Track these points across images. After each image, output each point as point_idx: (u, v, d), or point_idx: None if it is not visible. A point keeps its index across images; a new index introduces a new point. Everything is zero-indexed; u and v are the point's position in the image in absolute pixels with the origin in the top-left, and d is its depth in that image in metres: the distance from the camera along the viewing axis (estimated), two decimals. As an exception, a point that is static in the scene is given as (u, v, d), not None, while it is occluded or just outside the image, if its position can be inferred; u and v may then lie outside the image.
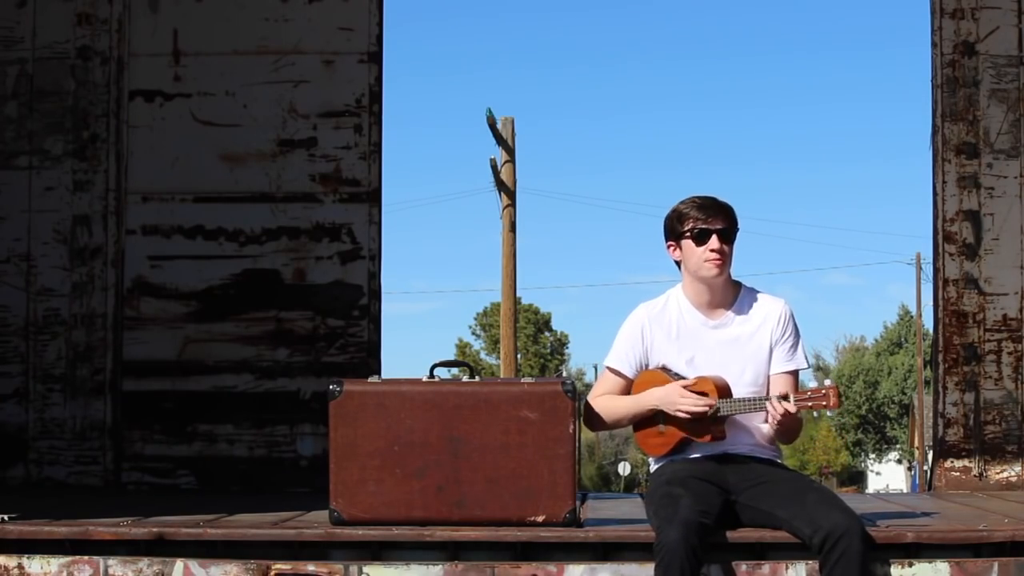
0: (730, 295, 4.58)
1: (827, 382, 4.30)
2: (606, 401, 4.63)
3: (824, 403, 4.28)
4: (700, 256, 4.47)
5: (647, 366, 4.59)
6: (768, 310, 4.55)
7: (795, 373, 4.56)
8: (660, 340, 4.56)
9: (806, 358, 4.58)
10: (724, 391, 4.43)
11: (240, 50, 7.11)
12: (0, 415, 6.94)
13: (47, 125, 7.05)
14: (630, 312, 4.66)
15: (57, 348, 6.97)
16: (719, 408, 4.39)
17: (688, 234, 4.49)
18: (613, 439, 58.12)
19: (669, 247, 4.59)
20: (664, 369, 4.54)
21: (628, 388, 4.61)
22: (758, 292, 4.62)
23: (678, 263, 4.61)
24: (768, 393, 4.49)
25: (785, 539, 4.28)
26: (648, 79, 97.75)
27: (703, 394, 4.40)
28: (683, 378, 4.48)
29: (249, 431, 6.98)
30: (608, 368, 4.66)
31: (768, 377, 4.53)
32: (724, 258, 4.47)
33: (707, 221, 4.47)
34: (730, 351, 4.52)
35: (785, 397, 4.32)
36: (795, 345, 4.55)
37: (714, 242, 4.46)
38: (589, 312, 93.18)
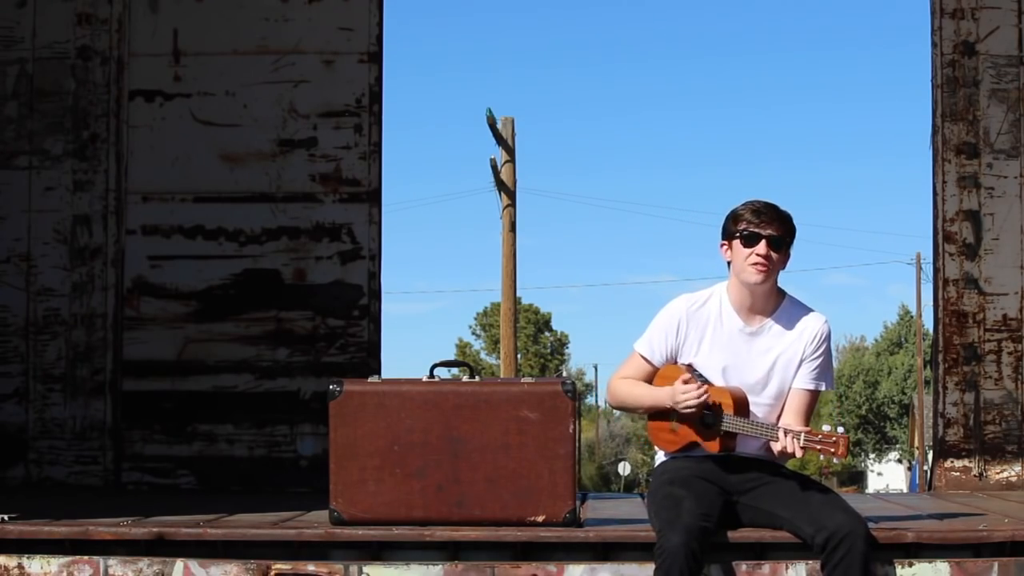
0: (772, 303, 4.53)
1: (840, 430, 4.23)
2: (629, 386, 4.59)
3: (832, 451, 4.21)
4: (746, 259, 4.44)
5: (676, 359, 4.56)
6: (806, 325, 4.51)
7: (815, 393, 4.51)
8: (694, 337, 4.53)
9: (831, 382, 4.54)
10: (740, 403, 4.39)
11: (240, 50, 7.10)
12: (0, 415, 6.94)
13: (47, 125, 7.05)
14: (667, 302, 4.62)
15: (57, 348, 6.97)
16: (723, 421, 4.38)
17: (739, 235, 4.45)
18: (613, 439, 58.08)
19: (722, 246, 4.55)
20: (690, 368, 4.51)
21: (653, 375, 4.59)
22: (801, 304, 4.58)
23: (729, 263, 4.57)
24: (784, 406, 4.48)
25: (785, 539, 4.28)
26: (648, 79, 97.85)
27: (716, 404, 4.38)
28: (706, 380, 4.45)
29: (249, 431, 6.97)
30: (638, 352, 4.61)
31: (790, 390, 4.50)
32: (769, 264, 4.42)
33: (759, 225, 4.43)
34: (760, 361, 4.49)
35: (797, 434, 4.25)
36: (824, 365, 4.51)
37: (762, 247, 4.42)
38: (589, 312, 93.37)
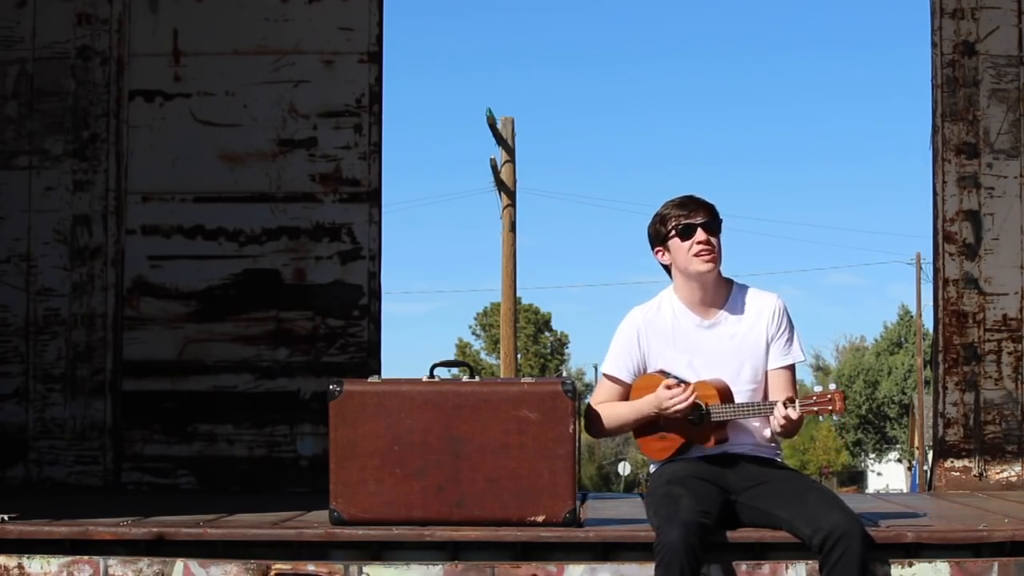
0: (722, 293, 4.57)
1: (832, 386, 4.27)
2: (606, 409, 4.61)
3: (830, 408, 4.25)
4: (689, 251, 4.47)
5: (645, 370, 4.58)
6: (761, 305, 4.55)
7: (792, 367, 4.56)
8: (656, 344, 4.56)
9: (802, 350, 4.58)
10: (725, 394, 4.41)
11: (240, 50, 7.11)
12: (0, 415, 6.94)
13: (47, 125, 7.05)
14: (625, 315, 4.65)
15: (57, 348, 6.97)
16: (710, 412, 4.38)
17: (673, 232, 4.49)
18: (613, 439, 58.09)
19: (657, 253, 4.59)
20: (662, 373, 4.53)
21: (627, 393, 4.60)
22: (750, 288, 4.62)
23: (667, 268, 4.60)
24: (767, 390, 4.49)
25: (785, 539, 4.28)
26: (648, 79, 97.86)
27: (699, 401, 4.39)
28: (683, 381, 4.47)
29: (249, 431, 6.97)
30: (605, 375, 4.65)
31: (766, 373, 4.53)
32: (713, 249, 4.47)
33: (689, 216, 4.49)
34: (727, 350, 4.51)
35: (790, 401, 4.30)
36: (791, 338, 4.55)
37: (700, 235, 4.47)
38: (589, 312, 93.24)
